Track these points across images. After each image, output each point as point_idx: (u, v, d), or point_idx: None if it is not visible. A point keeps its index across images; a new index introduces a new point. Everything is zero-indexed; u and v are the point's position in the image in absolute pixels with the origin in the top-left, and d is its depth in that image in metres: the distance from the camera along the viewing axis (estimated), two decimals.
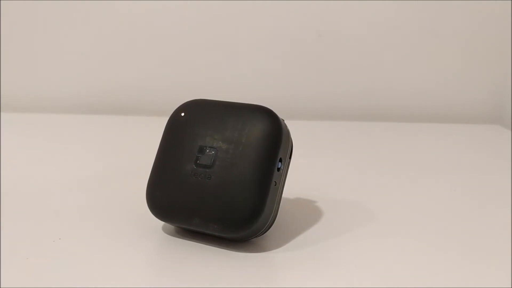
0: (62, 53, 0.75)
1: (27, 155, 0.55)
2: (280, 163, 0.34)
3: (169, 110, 0.38)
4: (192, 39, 0.75)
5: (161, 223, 0.37)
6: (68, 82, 0.76)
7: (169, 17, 0.74)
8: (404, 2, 0.75)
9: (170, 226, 0.37)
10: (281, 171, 0.35)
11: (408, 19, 0.76)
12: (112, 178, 0.48)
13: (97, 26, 0.74)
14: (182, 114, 0.37)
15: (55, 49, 0.75)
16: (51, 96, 0.76)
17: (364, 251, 0.35)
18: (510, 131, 0.72)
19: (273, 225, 0.35)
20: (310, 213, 0.41)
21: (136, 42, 0.75)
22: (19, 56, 0.75)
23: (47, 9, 0.73)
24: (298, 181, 0.41)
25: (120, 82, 0.76)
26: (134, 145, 0.60)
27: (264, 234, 0.35)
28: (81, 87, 0.76)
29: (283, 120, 0.35)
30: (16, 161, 0.52)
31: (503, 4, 0.75)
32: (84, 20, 0.74)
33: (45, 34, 0.74)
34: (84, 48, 0.75)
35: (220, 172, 0.34)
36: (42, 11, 0.73)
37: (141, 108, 0.76)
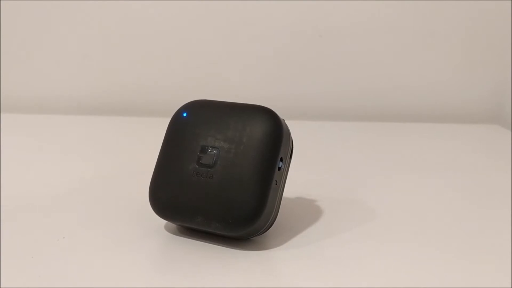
0: (62, 54, 0.75)
1: (28, 156, 0.55)
2: (281, 162, 0.35)
3: (170, 111, 0.38)
4: (193, 40, 0.75)
5: (163, 222, 0.38)
6: (69, 83, 0.76)
7: (170, 17, 0.75)
8: (403, 1, 0.75)
9: (172, 225, 0.37)
10: (282, 170, 0.35)
11: (408, 19, 0.76)
12: (114, 178, 0.49)
13: (98, 26, 0.75)
14: (184, 115, 0.37)
15: (55, 49, 0.75)
16: (51, 97, 0.76)
17: (363, 250, 0.36)
18: (509, 131, 0.72)
19: (274, 224, 0.36)
20: (311, 212, 0.41)
21: (137, 43, 0.75)
22: (19, 57, 0.75)
23: (47, 9, 0.73)
24: (299, 180, 0.42)
25: (121, 83, 0.77)
26: (135, 146, 0.60)
27: (265, 232, 0.36)
28: (82, 88, 0.76)
29: (284, 120, 0.36)
30: (17, 162, 0.53)
31: (503, 4, 0.76)
32: (85, 21, 0.74)
33: (45, 35, 0.75)
34: (85, 49, 0.75)
35: (222, 171, 0.34)
36: (42, 11, 0.74)
37: (142, 109, 0.76)
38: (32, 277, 0.31)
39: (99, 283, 0.31)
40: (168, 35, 0.75)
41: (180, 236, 0.36)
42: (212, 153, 0.35)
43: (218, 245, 0.35)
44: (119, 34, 0.75)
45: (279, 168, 0.35)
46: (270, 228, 0.36)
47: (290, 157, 0.37)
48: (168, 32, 0.75)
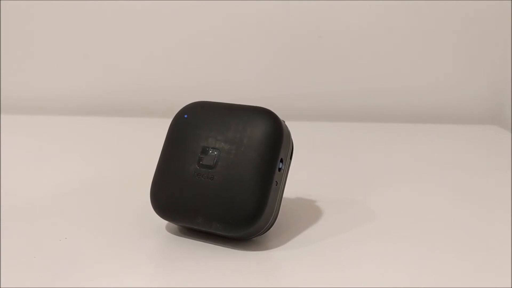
0: (62, 54, 0.76)
1: (28, 156, 0.55)
2: (281, 163, 0.35)
3: (170, 111, 0.39)
4: (193, 39, 0.75)
5: (164, 222, 0.38)
6: (69, 83, 0.76)
7: (170, 17, 0.75)
8: (403, 1, 0.75)
9: (173, 225, 0.38)
10: (282, 171, 0.35)
11: (408, 19, 0.76)
12: (115, 178, 0.49)
13: (98, 26, 0.75)
14: (185, 116, 0.37)
15: (55, 49, 0.75)
16: (51, 97, 0.76)
17: (363, 250, 0.36)
18: (509, 132, 0.72)
19: (274, 224, 0.36)
20: (310, 213, 0.42)
21: (137, 43, 0.76)
22: (19, 57, 0.75)
23: (47, 9, 0.73)
24: (299, 181, 0.42)
25: (121, 83, 0.77)
26: (135, 146, 0.61)
27: (266, 233, 0.36)
28: (82, 88, 0.76)
29: (284, 121, 0.36)
30: (17, 162, 0.53)
31: (503, 4, 0.76)
32: (85, 21, 0.74)
33: (45, 35, 0.75)
34: (85, 49, 0.75)
35: (222, 172, 0.34)
36: (42, 12, 0.74)
37: (142, 109, 0.76)
38: (33, 277, 0.31)
39: (100, 283, 0.31)
40: (168, 35, 0.75)
41: (180, 236, 0.37)
42: (213, 154, 0.35)
43: (218, 245, 0.35)
44: (119, 34, 0.75)
45: (279, 169, 0.35)
46: (270, 229, 0.36)
47: (290, 158, 0.37)
48: (168, 32, 0.75)
